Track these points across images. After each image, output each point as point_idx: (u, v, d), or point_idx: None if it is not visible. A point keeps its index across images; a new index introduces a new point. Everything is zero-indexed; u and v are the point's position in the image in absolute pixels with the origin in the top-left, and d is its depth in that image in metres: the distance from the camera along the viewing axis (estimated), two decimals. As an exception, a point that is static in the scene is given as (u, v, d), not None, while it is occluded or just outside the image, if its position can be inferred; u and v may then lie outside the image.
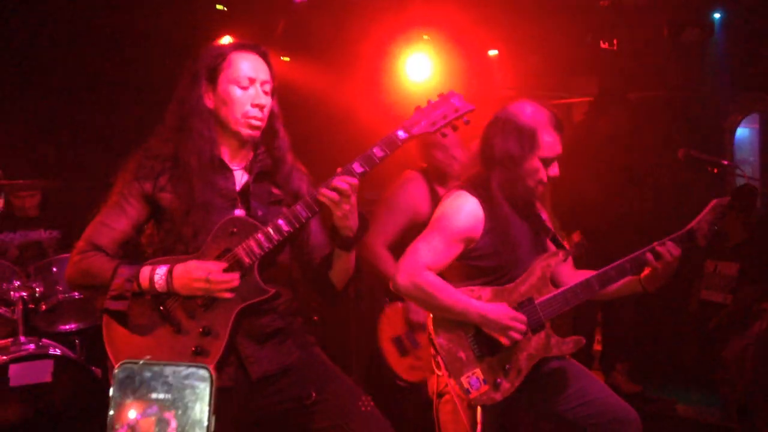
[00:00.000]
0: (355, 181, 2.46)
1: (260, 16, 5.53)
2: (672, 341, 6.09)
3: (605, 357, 5.97)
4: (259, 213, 2.59)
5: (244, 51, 2.63)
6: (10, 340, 4.13)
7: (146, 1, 5.26)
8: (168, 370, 1.15)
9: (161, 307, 2.48)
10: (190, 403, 1.19)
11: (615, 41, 5.97)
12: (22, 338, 4.11)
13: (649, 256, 2.98)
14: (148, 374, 1.14)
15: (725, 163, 3.94)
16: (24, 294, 4.18)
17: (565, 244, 3.41)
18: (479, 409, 2.97)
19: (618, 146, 5.49)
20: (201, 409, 1.20)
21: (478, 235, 3.00)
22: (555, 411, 3.04)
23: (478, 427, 2.98)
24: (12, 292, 4.17)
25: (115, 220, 2.55)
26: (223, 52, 2.61)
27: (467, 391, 2.89)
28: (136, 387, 1.14)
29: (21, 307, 4.16)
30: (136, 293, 2.45)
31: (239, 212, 2.59)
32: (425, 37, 6.10)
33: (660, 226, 3.31)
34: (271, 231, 2.47)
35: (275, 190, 2.68)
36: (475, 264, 3.02)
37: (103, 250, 2.52)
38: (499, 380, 2.91)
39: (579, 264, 3.31)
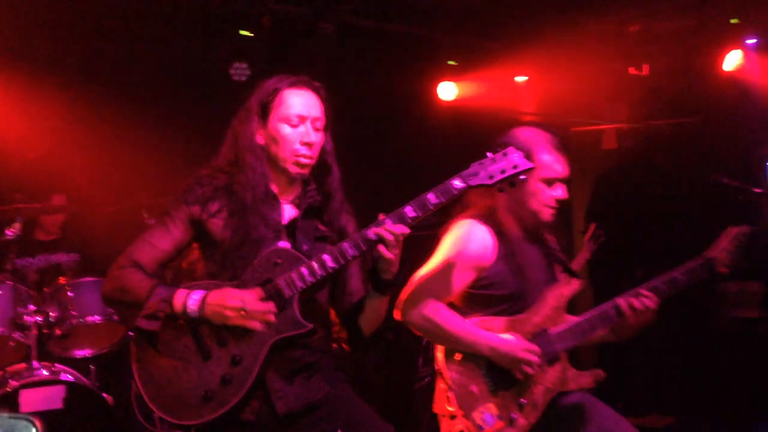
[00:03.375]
0: (408, 231, 2.42)
1: (282, 45, 5.53)
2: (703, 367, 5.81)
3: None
4: (304, 247, 2.59)
5: (297, 87, 2.64)
6: (23, 365, 4.11)
7: (169, 26, 5.30)
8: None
9: (193, 332, 2.46)
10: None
11: (645, 67, 5.85)
12: (35, 363, 4.08)
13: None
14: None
15: (757, 191, 3.77)
16: (38, 318, 4.16)
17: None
18: None
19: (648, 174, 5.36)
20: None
21: (490, 263, 2.91)
22: None
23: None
24: (26, 317, 4.15)
25: (159, 239, 2.58)
26: (276, 89, 2.63)
27: (480, 428, 2.76)
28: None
29: (35, 332, 4.14)
30: (169, 315, 2.44)
31: (283, 244, 2.58)
32: (451, 62, 6.04)
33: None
34: (315, 265, 2.46)
35: (321, 227, 2.68)
36: (486, 293, 2.93)
37: (142, 267, 2.52)
38: (514, 416, 2.78)
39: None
